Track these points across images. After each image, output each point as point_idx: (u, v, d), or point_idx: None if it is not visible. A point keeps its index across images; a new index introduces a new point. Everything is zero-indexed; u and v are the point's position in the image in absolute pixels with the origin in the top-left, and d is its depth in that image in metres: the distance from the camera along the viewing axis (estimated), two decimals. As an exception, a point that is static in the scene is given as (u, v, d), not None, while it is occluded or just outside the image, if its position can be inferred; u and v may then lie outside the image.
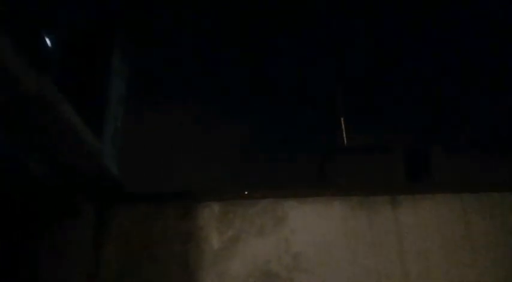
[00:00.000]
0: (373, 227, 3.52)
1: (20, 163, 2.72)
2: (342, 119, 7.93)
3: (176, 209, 3.58)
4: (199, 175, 3.88)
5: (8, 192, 2.93)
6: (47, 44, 2.43)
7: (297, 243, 3.43)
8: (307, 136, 4.77)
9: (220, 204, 3.57)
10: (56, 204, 3.38)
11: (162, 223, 3.54)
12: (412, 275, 3.36)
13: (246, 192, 3.60)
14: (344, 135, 7.73)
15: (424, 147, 7.03)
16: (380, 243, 3.47)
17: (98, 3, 3.58)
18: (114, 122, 3.83)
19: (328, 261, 3.39)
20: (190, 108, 4.35)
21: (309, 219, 3.52)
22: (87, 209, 3.48)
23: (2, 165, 2.45)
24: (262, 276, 3.33)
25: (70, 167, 3.09)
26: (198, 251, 3.44)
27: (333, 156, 6.26)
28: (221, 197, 3.60)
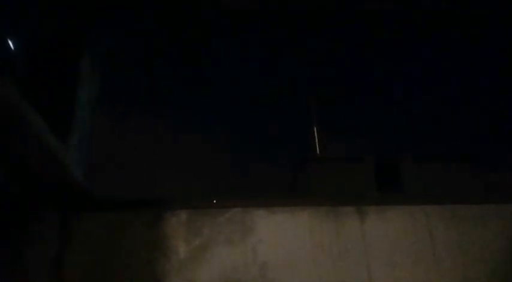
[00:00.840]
0: (340, 238, 3.54)
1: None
2: (315, 128, 7.99)
3: (143, 217, 3.52)
4: (168, 183, 3.84)
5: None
6: (10, 47, 2.36)
7: (265, 253, 3.42)
8: (279, 145, 4.78)
9: (189, 213, 3.53)
10: (19, 212, 3.27)
11: (129, 231, 3.47)
12: (379, 285, 3.40)
13: (215, 201, 3.58)
14: (317, 144, 7.80)
15: (395, 158, 7.14)
16: (347, 254, 3.49)
17: (67, 8, 3.52)
18: (81, 128, 3.75)
19: (295, 272, 3.38)
20: (161, 115, 4.30)
21: (278, 229, 3.52)
22: (51, 216, 3.39)
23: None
24: (229, 287, 3.30)
25: (32, 173, 3.00)
26: (164, 260, 3.38)
27: (305, 166, 6.30)
28: (189, 205, 3.56)
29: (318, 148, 7.85)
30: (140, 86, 4.29)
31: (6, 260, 3.25)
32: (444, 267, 3.46)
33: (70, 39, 3.73)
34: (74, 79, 3.75)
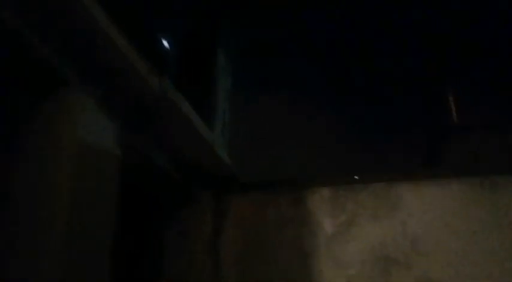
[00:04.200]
0: (497, 209, 3.28)
1: (145, 156, 2.99)
2: (451, 94, 7.40)
3: (287, 196, 3.68)
4: (307, 162, 3.93)
5: (135, 183, 3.25)
6: (165, 46, 2.63)
7: (414, 227, 3.33)
8: (414, 116, 4.56)
9: (331, 190, 3.59)
10: (177, 194, 3.69)
11: (275, 210, 3.66)
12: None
13: (356, 177, 3.57)
14: (454, 112, 7.22)
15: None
16: (506, 225, 3.23)
17: (203, 7, 3.79)
18: (223, 115, 4.03)
19: (448, 246, 3.24)
20: (294, 96, 4.40)
21: (425, 202, 3.39)
22: (206, 197, 3.74)
23: (129, 160, 2.71)
24: (379, 261, 3.29)
25: (189, 159, 3.34)
26: (311, 236, 3.50)
27: (443, 136, 5.90)
28: (331, 182, 3.62)
29: (455, 115, 7.28)
30: (272, 72, 4.43)
31: (170, 235, 3.70)
32: None
33: (207, 35, 4.01)
34: (212, 72, 4.04)
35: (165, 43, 2.68)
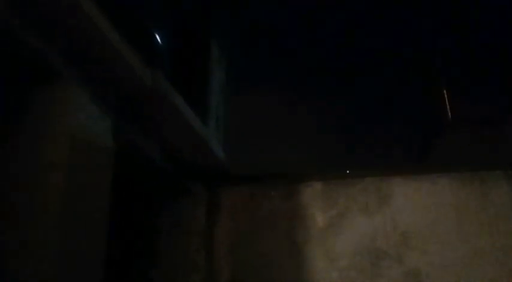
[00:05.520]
0: (487, 204, 3.33)
1: (138, 149, 3.00)
2: (445, 90, 7.44)
3: (280, 189, 3.70)
4: (299, 156, 3.96)
5: (128, 175, 3.26)
6: (158, 41, 2.64)
7: (405, 221, 3.37)
8: (408, 112, 4.59)
9: (323, 184, 3.62)
10: (171, 185, 3.70)
11: (268, 203, 3.69)
12: (534, 255, 3.13)
13: (348, 171, 3.60)
14: (448, 108, 7.26)
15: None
16: (495, 221, 3.27)
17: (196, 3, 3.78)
18: (216, 108, 4.04)
19: (438, 240, 3.28)
20: (289, 90, 4.42)
21: (416, 197, 3.43)
22: (199, 189, 3.77)
23: (122, 151, 2.72)
24: (369, 254, 3.33)
25: (182, 152, 3.36)
26: (304, 228, 3.54)
27: (437, 131, 5.93)
28: (323, 176, 3.64)
29: (449, 112, 7.31)
30: (265, 65, 4.44)
31: (165, 225, 3.72)
32: None
33: (201, 28, 4.01)
34: (206, 65, 4.04)
35: (158, 37, 2.67)
